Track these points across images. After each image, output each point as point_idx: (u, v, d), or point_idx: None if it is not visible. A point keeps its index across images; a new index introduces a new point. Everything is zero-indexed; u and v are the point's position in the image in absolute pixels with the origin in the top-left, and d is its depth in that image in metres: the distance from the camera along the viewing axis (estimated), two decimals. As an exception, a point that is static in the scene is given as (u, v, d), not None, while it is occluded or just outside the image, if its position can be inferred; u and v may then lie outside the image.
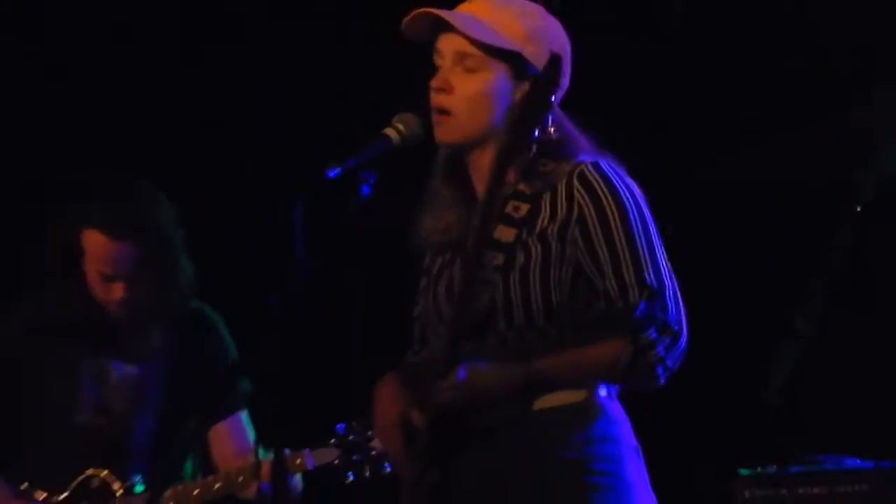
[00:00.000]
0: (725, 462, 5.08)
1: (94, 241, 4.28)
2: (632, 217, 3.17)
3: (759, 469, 4.96)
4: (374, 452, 4.11)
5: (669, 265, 3.21)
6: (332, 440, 4.14)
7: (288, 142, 5.39)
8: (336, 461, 4.11)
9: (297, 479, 4.24)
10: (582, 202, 3.16)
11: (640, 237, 3.16)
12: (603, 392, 3.19)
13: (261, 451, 3.77)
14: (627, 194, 3.19)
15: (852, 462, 4.82)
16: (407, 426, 3.19)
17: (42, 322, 4.46)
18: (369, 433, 4.08)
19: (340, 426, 4.15)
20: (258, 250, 3.40)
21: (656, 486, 3.31)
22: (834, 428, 5.07)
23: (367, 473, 4.11)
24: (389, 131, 3.17)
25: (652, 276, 3.13)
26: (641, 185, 3.26)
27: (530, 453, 3.18)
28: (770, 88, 5.73)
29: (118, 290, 4.30)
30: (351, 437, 4.10)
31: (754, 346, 4.39)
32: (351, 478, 4.13)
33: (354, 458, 4.12)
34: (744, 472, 4.95)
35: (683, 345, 3.16)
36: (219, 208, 4.78)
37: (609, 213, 3.16)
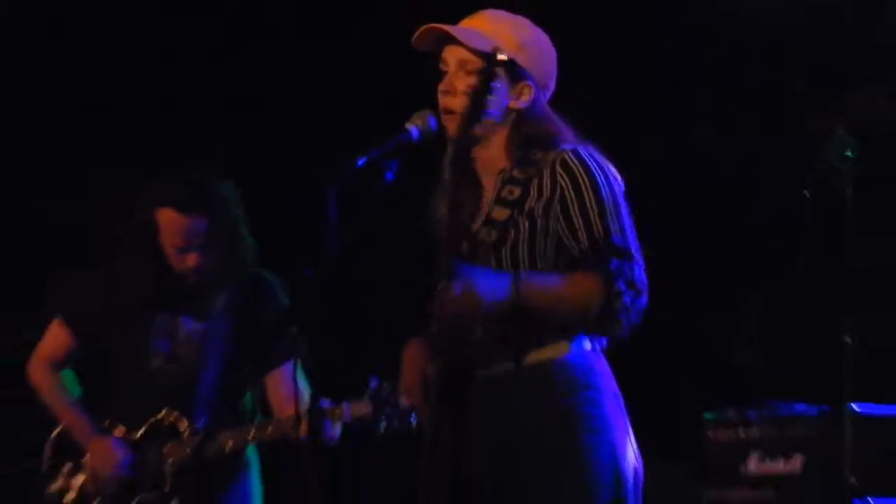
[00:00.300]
0: (693, 407, 5.38)
1: (168, 218, 4.59)
2: (604, 193, 3.41)
3: (721, 413, 5.31)
4: (402, 406, 4.32)
5: (636, 238, 3.44)
6: (367, 395, 4.38)
7: (325, 135, 5.62)
8: (370, 413, 4.35)
9: (337, 428, 4.45)
10: (562, 183, 3.43)
11: (611, 209, 3.40)
12: (587, 346, 3.45)
13: (306, 399, 4.15)
14: (601, 174, 3.43)
15: (801, 407, 5.13)
16: (426, 383, 3.45)
17: (123, 286, 4.73)
18: (398, 389, 4.23)
19: (373, 383, 4.40)
20: (300, 227, 3.68)
21: (635, 427, 3.56)
22: (786, 378, 5.34)
23: (396, 424, 4.34)
24: (409, 125, 3.42)
25: (621, 240, 3.38)
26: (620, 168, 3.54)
27: (525, 401, 3.43)
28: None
29: (191, 260, 4.60)
30: (382, 393, 4.34)
31: (722, 310, 4.73)
32: (382, 428, 4.36)
33: (386, 410, 4.34)
34: (708, 416, 5.32)
35: (644, 303, 3.39)
36: (268, 192, 4.98)
37: (584, 190, 3.41)
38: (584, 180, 3.43)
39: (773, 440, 5.16)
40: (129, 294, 4.73)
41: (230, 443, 4.57)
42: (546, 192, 3.45)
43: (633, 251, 3.40)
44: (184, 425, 4.66)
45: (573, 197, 3.42)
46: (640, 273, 3.40)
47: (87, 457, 4.68)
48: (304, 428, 3.96)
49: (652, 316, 3.48)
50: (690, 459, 5.39)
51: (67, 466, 4.73)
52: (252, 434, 4.58)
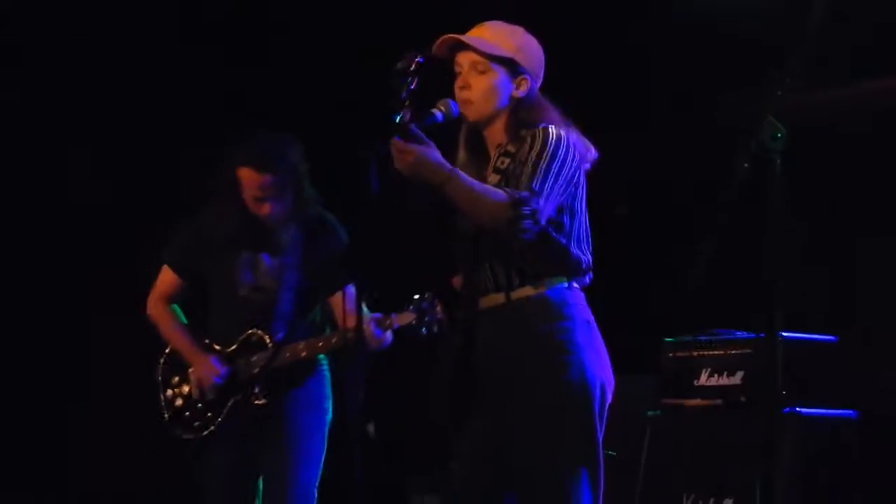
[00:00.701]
0: (655, 332, 5.85)
1: (246, 175, 5.02)
2: (548, 149, 3.80)
3: (678, 338, 5.78)
4: (439, 315, 4.69)
5: (564, 183, 3.79)
6: (411, 306, 4.77)
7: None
8: (413, 322, 4.73)
9: (388, 334, 4.83)
10: (527, 141, 3.86)
11: (545, 159, 3.78)
12: (564, 284, 3.88)
13: (365, 315, 4.58)
14: (555, 136, 3.83)
15: (741, 333, 5.63)
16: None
17: (213, 229, 5.15)
18: (436, 301, 4.69)
19: (417, 297, 4.79)
20: (348, 180, 3.83)
21: (611, 347, 3.98)
22: (729, 308, 5.67)
23: (436, 330, 4.69)
24: (435, 110, 3.88)
25: (539, 182, 3.73)
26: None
27: (511, 327, 3.90)
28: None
29: (266, 208, 5.03)
30: (424, 305, 4.73)
31: (680, 246, 4.87)
32: (424, 333, 4.72)
33: (426, 319, 4.73)
34: (668, 339, 5.80)
35: (538, 229, 3.73)
36: (321, 153, 5.25)
37: (537, 143, 3.82)
38: (540, 137, 3.84)
39: (719, 359, 5.59)
40: (219, 237, 5.11)
41: (303, 351, 4.97)
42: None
43: (547, 190, 3.74)
44: (267, 339, 5.04)
45: (528, 147, 3.83)
46: (545, 210, 3.74)
47: (191, 370, 5.13)
48: (361, 334, 4.28)
49: (630, 260, 3.71)
50: (654, 373, 5.78)
51: (175, 379, 5.21)
52: (321, 343, 4.98)
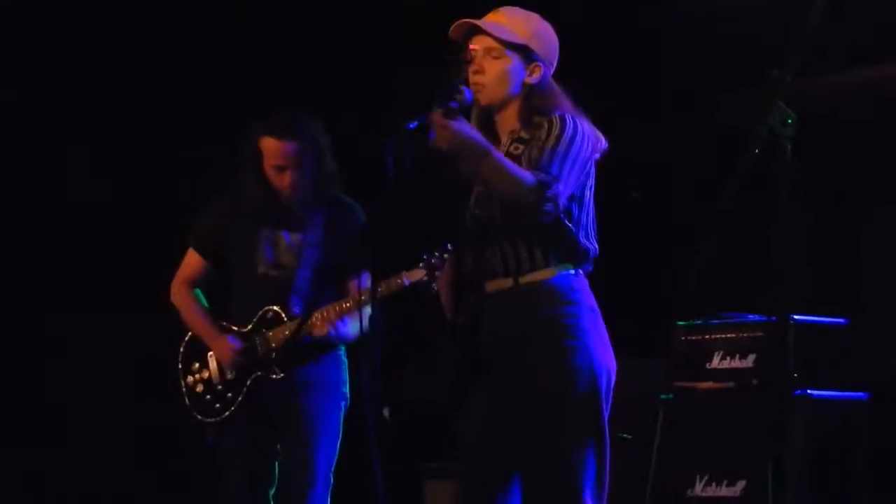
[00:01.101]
0: (667, 317, 5.87)
1: (267, 144, 5.12)
2: (566, 136, 3.85)
3: (690, 321, 5.83)
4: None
5: (581, 170, 3.87)
6: (421, 264, 4.90)
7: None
8: (425, 277, 4.86)
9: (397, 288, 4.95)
10: (544, 127, 3.91)
11: (564, 146, 3.84)
12: (571, 271, 3.93)
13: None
14: (571, 124, 3.88)
15: (753, 316, 5.66)
16: (455, 286, 4.01)
17: (236, 207, 5.25)
18: (445, 256, 4.75)
19: (425, 254, 4.94)
20: (367, 171, 4.03)
21: (623, 331, 4.06)
22: (740, 292, 5.77)
23: None
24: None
25: (558, 167, 3.79)
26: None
27: (518, 311, 3.94)
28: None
29: (287, 177, 5.11)
30: (433, 261, 4.87)
31: (688, 240, 5.01)
32: (434, 287, 4.78)
33: (436, 275, 4.82)
34: (680, 322, 5.84)
35: (554, 210, 3.79)
36: (343, 146, 5.36)
37: (553, 130, 3.87)
38: (555, 124, 3.89)
39: (731, 342, 5.64)
40: (241, 216, 5.21)
41: (318, 321, 5.06)
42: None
43: (564, 176, 3.80)
44: (283, 315, 5.15)
45: (545, 134, 3.88)
46: (561, 193, 3.80)
47: (210, 353, 5.22)
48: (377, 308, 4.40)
49: (642, 243, 3.77)
50: (667, 357, 5.81)
51: (196, 365, 5.27)
52: (337, 308, 5.06)
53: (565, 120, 3.90)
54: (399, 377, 5.52)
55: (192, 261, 5.37)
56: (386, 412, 6.32)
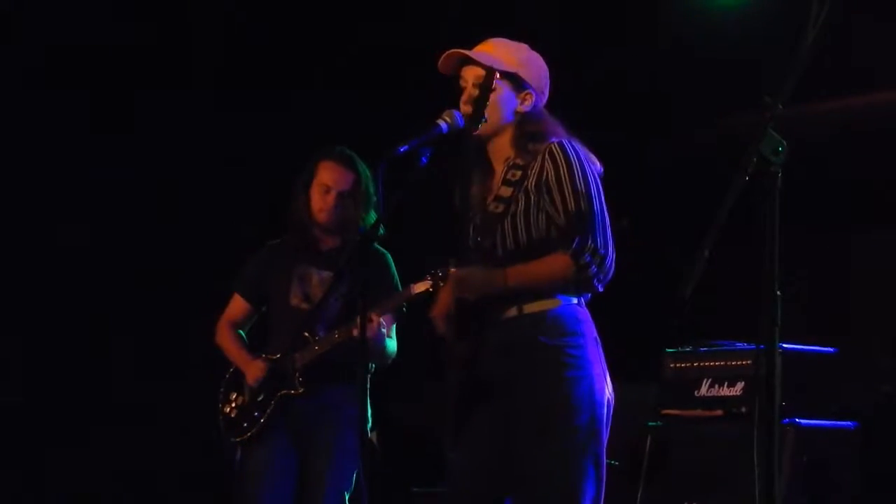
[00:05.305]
0: (657, 344, 5.90)
1: (327, 166, 5.44)
2: (577, 174, 3.87)
3: (679, 348, 5.82)
4: None
5: (603, 207, 3.87)
6: (427, 276, 4.94)
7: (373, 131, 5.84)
8: (430, 288, 4.90)
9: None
10: (548, 167, 3.90)
11: (580, 186, 3.85)
12: (574, 300, 3.92)
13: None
14: (577, 161, 3.89)
15: (741, 345, 5.64)
16: (451, 314, 3.96)
17: (273, 253, 5.58)
18: (448, 268, 4.57)
19: (431, 269, 4.89)
20: None
21: (615, 358, 4.03)
22: (729, 321, 5.51)
23: None
24: (440, 121, 3.89)
25: (585, 208, 3.82)
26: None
27: (522, 339, 3.91)
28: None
29: (329, 199, 5.39)
30: (439, 273, 4.81)
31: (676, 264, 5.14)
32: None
33: (440, 285, 4.68)
34: (669, 350, 5.84)
35: (610, 262, 3.85)
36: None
37: (562, 172, 3.87)
38: (563, 164, 3.89)
39: (720, 370, 5.61)
40: (279, 258, 5.52)
41: (337, 336, 5.23)
42: (537, 175, 3.92)
43: (596, 216, 3.84)
44: (311, 340, 5.34)
45: (554, 178, 3.87)
46: (601, 238, 3.84)
47: (245, 379, 5.45)
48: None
49: (631, 275, 3.88)
50: (655, 384, 5.80)
51: (233, 395, 5.51)
52: (353, 329, 5.13)
53: (567, 151, 3.90)
54: (388, 401, 5.49)
55: (237, 305, 5.66)
56: (374, 436, 6.31)
